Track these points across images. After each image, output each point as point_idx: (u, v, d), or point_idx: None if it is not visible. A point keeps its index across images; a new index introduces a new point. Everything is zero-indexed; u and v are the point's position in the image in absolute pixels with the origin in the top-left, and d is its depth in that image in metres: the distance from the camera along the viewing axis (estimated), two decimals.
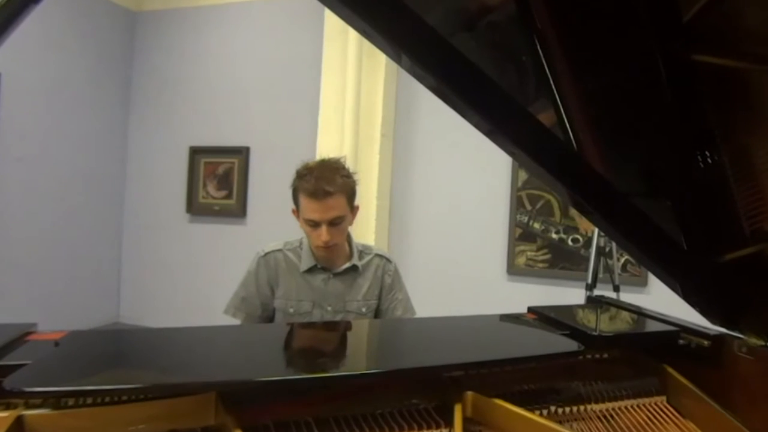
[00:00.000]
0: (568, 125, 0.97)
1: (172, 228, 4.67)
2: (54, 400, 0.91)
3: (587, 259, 2.85)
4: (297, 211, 1.99)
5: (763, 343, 1.17)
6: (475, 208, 3.81)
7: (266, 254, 2.07)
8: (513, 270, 3.72)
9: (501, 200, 3.75)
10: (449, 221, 3.88)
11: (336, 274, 2.06)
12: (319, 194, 1.87)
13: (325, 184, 1.87)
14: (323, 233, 1.90)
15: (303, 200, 1.92)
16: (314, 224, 1.92)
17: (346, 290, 2.07)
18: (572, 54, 0.92)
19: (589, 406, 1.17)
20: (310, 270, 2.04)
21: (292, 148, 3.91)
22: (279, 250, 2.08)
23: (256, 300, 2.05)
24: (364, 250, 2.16)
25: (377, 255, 2.16)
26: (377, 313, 2.13)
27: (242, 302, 2.06)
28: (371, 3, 0.78)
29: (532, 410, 1.07)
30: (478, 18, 0.91)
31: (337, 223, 1.92)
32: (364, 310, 2.07)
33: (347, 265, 2.07)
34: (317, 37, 3.96)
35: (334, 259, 2.05)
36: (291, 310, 2.02)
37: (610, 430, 1.13)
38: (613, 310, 1.57)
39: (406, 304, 2.15)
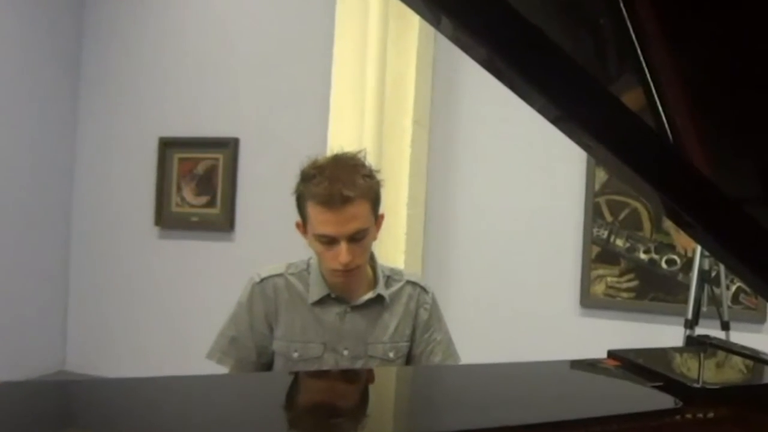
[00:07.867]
0: (661, 110, 0.97)
1: (135, 246, 4.70)
2: None
3: (687, 287, 2.84)
4: (303, 225, 2.00)
5: None
6: (537, 219, 3.80)
7: (263, 280, 2.08)
8: (588, 301, 3.71)
9: (572, 209, 3.73)
10: (503, 237, 3.88)
11: (355, 308, 2.07)
12: (335, 201, 1.87)
13: (343, 187, 1.87)
14: (342, 253, 1.90)
15: (313, 210, 1.92)
16: (330, 241, 1.92)
17: (369, 329, 2.07)
18: (667, 14, 0.93)
19: None
20: (321, 301, 2.05)
21: (294, 140, 3.94)
22: (280, 275, 2.09)
23: (249, 341, 2.07)
24: (392, 276, 2.16)
25: (409, 282, 2.17)
26: (409, 359, 2.13)
27: (231, 344, 2.08)
28: None
29: None
30: None
31: (359, 239, 1.93)
32: (391, 354, 2.08)
33: (370, 295, 2.08)
34: None
35: (353, 287, 2.06)
36: (295, 355, 2.03)
37: None
38: (721, 354, 1.56)
39: (447, 347, 2.16)
